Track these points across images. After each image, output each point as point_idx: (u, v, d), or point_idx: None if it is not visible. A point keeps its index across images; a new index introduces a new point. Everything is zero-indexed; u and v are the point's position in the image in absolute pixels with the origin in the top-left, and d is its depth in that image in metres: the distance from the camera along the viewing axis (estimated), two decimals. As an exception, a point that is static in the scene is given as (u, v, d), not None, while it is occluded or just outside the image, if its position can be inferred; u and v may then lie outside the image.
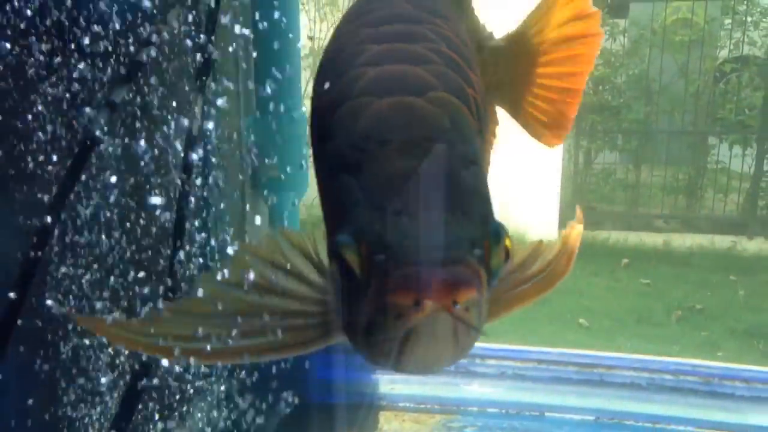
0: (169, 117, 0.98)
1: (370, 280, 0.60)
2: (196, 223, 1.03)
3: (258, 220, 1.38)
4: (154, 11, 0.91)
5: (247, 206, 1.37)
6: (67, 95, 0.83)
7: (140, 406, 0.92)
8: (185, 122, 1.00)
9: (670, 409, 1.22)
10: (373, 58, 0.74)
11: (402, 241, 0.58)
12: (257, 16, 1.32)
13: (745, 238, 6.20)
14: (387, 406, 1.28)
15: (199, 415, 1.02)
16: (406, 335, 0.59)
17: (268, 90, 1.40)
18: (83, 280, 0.88)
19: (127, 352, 0.96)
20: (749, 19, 6.69)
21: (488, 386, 1.30)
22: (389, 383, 1.30)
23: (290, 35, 1.36)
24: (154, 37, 0.94)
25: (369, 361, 0.66)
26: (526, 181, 5.91)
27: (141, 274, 0.96)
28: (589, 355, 1.30)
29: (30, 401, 0.87)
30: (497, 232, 0.62)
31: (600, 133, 6.91)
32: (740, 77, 6.88)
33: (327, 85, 0.75)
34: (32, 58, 0.80)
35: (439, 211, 0.61)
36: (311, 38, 4.92)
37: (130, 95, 0.91)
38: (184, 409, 1.02)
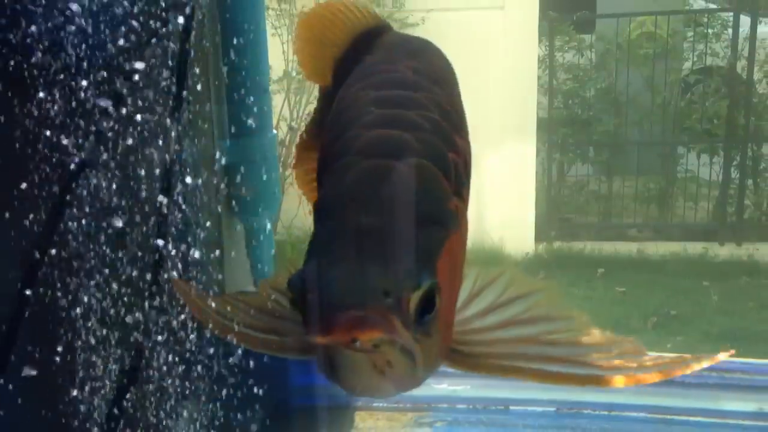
0: (149, 142, 1.06)
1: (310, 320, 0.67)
2: (176, 246, 1.10)
3: (233, 241, 1.45)
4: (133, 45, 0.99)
5: (223, 229, 1.44)
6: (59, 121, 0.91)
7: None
8: (163, 149, 1.08)
9: (627, 397, 1.30)
10: (369, 122, 0.82)
11: (322, 288, 0.66)
12: (230, 46, 1.40)
13: (716, 245, 6.35)
14: (362, 406, 1.36)
15: (184, 413, 1.10)
16: (329, 366, 0.68)
17: (241, 116, 1.48)
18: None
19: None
20: (710, 31, 6.87)
21: (457, 385, 1.38)
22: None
23: (260, 65, 1.44)
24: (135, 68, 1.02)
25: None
26: (501, 195, 6.03)
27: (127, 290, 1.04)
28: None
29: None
30: (424, 282, 0.68)
31: (572, 146, 7.05)
32: (705, 88, 7.07)
33: (330, 142, 0.83)
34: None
35: (363, 264, 0.68)
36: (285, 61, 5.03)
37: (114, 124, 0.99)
38: (169, 407, 1.09)
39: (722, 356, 0.77)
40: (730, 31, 6.73)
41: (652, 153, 7.09)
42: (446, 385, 1.43)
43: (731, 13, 6.79)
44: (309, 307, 0.67)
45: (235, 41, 1.39)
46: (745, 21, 6.58)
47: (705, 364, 0.77)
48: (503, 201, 6.04)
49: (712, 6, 7.57)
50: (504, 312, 0.84)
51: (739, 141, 6.69)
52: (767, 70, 6.78)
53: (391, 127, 0.82)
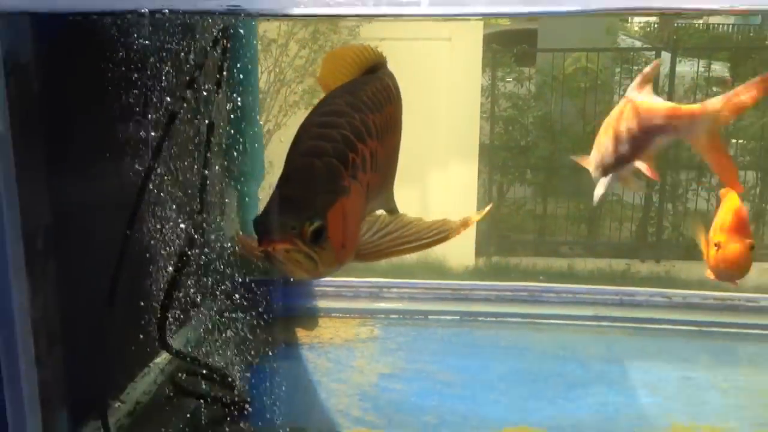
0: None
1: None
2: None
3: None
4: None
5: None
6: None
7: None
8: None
9: (510, 307, 1.91)
10: (309, 135, 1.34)
11: (263, 224, 1.17)
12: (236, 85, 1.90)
13: (638, 261, 6.94)
14: (324, 315, 1.94)
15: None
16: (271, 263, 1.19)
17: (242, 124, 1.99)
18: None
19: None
20: (636, 68, 7.56)
21: (391, 303, 1.95)
22: (325, 302, 1.96)
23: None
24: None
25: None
26: (445, 212, 6.48)
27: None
28: (458, 283, 1.98)
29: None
30: (312, 221, 1.21)
31: (511, 169, 7.57)
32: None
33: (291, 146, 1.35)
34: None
35: (282, 213, 1.24)
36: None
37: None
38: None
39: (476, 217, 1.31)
40: (653, 68, 7.42)
41: (583, 177, 7.67)
42: (383, 304, 2.02)
43: (653, 52, 7.49)
44: (257, 235, 1.21)
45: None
46: (666, 59, 7.29)
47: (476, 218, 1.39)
48: (447, 218, 6.45)
49: (638, 45, 8.30)
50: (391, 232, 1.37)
51: (660, 167, 7.35)
52: (685, 104, 7.49)
53: (319, 140, 1.36)
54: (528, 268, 6.76)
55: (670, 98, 7.37)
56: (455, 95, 6.47)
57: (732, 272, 1.49)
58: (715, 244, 1.49)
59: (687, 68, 7.85)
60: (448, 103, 6.43)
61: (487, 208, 1.43)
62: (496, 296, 2.08)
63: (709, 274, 1.50)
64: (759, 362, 1.74)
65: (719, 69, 8.21)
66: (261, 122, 2.18)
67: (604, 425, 1.46)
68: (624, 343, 1.84)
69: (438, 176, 6.34)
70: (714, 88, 8.01)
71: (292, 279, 1.23)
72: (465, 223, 1.37)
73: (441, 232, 1.37)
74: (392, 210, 1.54)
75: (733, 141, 7.78)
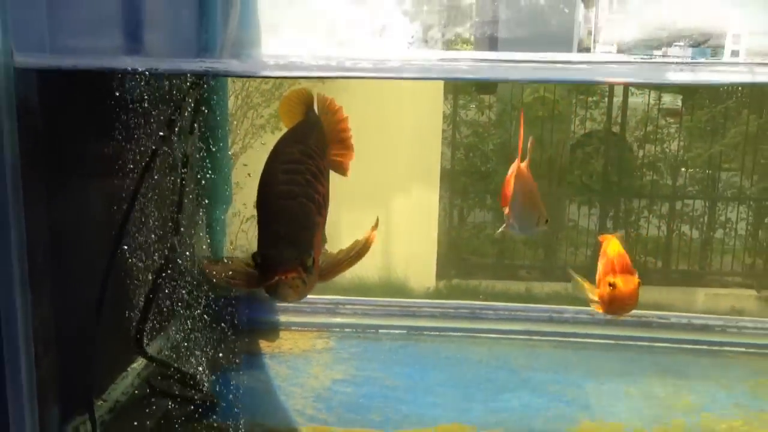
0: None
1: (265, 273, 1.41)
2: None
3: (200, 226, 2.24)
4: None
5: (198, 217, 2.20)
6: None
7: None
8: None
9: (454, 323, 2.17)
10: (279, 181, 1.58)
11: (268, 258, 1.41)
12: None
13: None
14: (285, 328, 2.21)
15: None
16: (274, 289, 1.42)
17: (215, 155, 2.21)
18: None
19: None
20: (590, 99, 7.93)
21: (345, 318, 2.22)
22: (286, 317, 2.23)
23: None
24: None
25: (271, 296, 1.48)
26: (407, 236, 6.71)
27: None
28: (406, 301, 2.23)
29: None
30: (308, 253, 1.43)
31: (471, 194, 7.84)
32: (587, 149, 8.09)
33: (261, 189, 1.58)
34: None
35: (284, 246, 1.42)
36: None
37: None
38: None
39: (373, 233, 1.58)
40: (606, 99, 7.79)
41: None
42: (338, 318, 2.28)
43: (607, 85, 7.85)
44: (263, 268, 1.41)
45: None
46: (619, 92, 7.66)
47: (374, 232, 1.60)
48: (409, 241, 6.65)
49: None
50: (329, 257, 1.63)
51: (613, 195, 7.70)
52: (637, 135, 7.87)
53: (289, 185, 1.61)
54: (486, 290, 7.00)
55: (622, 130, 7.76)
56: (418, 122, 6.72)
57: (628, 306, 1.73)
58: (610, 284, 1.73)
59: (639, 100, 8.26)
60: (410, 130, 6.67)
61: (375, 223, 1.69)
62: (440, 313, 2.34)
63: (598, 309, 1.75)
64: (664, 371, 2.00)
65: (670, 100, 8.63)
66: (229, 145, 2.42)
67: (525, 423, 1.71)
68: (549, 354, 2.09)
69: (401, 200, 6.57)
70: (667, 119, 8.44)
71: (284, 302, 1.48)
72: (368, 240, 1.63)
73: (358, 251, 1.62)
74: (325, 240, 1.80)
75: (683, 170, 8.19)
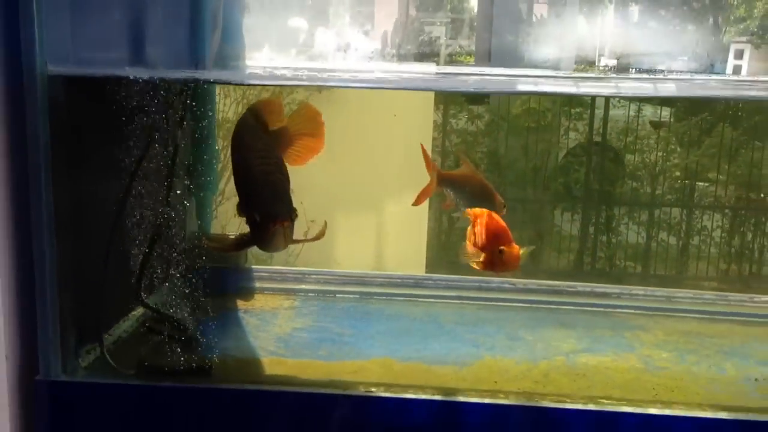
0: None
1: (265, 223, 1.87)
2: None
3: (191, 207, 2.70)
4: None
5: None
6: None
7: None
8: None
9: (398, 290, 2.63)
10: (260, 162, 2.02)
11: (266, 213, 1.87)
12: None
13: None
14: (258, 292, 2.64)
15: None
16: (271, 236, 1.89)
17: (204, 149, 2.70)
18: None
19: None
20: (574, 110, 8.40)
21: (309, 285, 2.66)
22: (260, 283, 2.66)
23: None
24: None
25: (264, 249, 1.94)
26: (398, 239, 7.15)
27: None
28: (360, 272, 2.71)
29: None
30: (294, 209, 1.91)
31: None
32: (572, 159, 8.57)
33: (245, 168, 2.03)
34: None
35: (278, 204, 1.90)
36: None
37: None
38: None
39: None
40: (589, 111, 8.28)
41: (527, 210, 8.45)
42: (303, 285, 2.73)
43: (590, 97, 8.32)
44: (262, 221, 1.86)
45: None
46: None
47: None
48: (400, 244, 7.08)
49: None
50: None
51: (594, 203, 8.17)
52: (617, 146, 8.34)
53: (268, 165, 2.01)
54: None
55: (603, 140, 8.24)
56: (409, 130, 7.18)
57: (514, 266, 2.18)
58: (500, 251, 2.17)
59: (620, 112, 8.73)
60: (403, 138, 7.12)
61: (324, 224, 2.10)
62: (388, 282, 2.81)
63: (479, 267, 2.17)
64: (562, 325, 2.47)
65: (650, 113, 9.10)
66: (216, 141, 2.92)
67: (440, 358, 2.17)
68: (473, 314, 2.56)
69: (392, 205, 7.00)
70: (655, 130, 8.91)
71: (276, 249, 1.93)
72: (321, 233, 2.07)
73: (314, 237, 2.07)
74: None
75: (661, 178, 8.65)
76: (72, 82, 1.94)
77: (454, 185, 2.50)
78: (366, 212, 6.71)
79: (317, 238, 2.09)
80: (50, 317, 1.95)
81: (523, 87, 2.75)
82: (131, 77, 1.98)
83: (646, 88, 2.77)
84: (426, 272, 7.47)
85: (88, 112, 2.05)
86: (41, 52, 1.81)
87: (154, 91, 2.03)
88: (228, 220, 2.80)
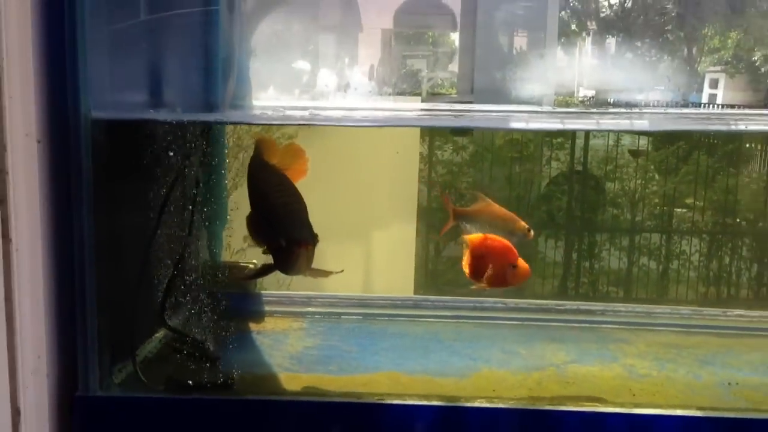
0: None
1: (289, 247, 2.08)
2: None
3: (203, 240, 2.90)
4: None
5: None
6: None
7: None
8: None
9: (398, 311, 2.83)
10: (283, 193, 2.24)
11: (292, 237, 2.08)
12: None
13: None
14: (268, 315, 2.84)
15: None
16: (295, 259, 2.09)
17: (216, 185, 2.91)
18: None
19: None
20: (556, 140, 8.70)
21: (315, 308, 2.87)
22: (270, 307, 2.86)
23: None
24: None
25: (288, 272, 2.15)
26: (386, 267, 7.34)
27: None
28: (362, 295, 2.92)
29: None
30: (316, 234, 2.12)
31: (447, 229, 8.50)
32: (554, 187, 8.85)
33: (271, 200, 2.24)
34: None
35: (304, 229, 2.11)
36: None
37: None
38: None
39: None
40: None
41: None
42: (310, 308, 2.93)
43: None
44: (289, 245, 2.06)
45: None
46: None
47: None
48: (388, 272, 7.26)
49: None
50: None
51: (577, 230, 8.43)
52: (598, 175, 8.64)
53: (291, 196, 2.23)
54: (460, 317, 7.62)
55: (584, 168, 8.54)
56: (396, 161, 7.40)
57: (527, 277, 2.39)
58: (513, 266, 2.39)
59: (600, 141, 9.05)
60: (389, 169, 7.34)
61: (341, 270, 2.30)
62: (389, 303, 3.02)
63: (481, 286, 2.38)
64: (553, 340, 2.69)
65: (629, 142, 9.42)
66: (226, 178, 3.13)
67: (442, 370, 2.37)
68: (470, 331, 2.76)
69: (381, 235, 7.18)
70: (633, 158, 9.23)
71: (299, 272, 2.12)
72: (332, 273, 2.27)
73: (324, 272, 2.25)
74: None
75: (640, 205, 8.94)
76: (110, 125, 2.16)
77: (470, 220, 2.71)
78: (355, 241, 6.89)
79: (330, 273, 2.29)
80: (89, 338, 2.15)
81: (516, 124, 2.99)
82: (162, 120, 2.21)
83: (623, 124, 3.02)
84: (414, 294, 7.68)
85: (122, 152, 2.27)
86: (86, 99, 2.03)
87: (181, 132, 2.26)
88: (234, 250, 3.02)
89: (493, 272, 2.32)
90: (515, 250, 2.33)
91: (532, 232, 2.48)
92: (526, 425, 2.13)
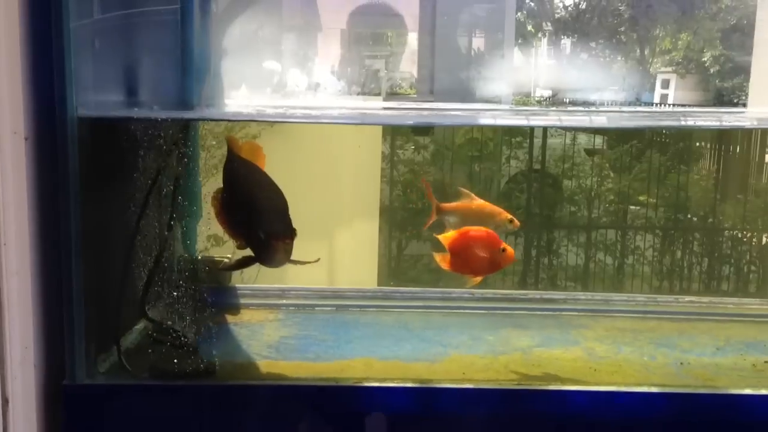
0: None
1: (269, 241, 2.17)
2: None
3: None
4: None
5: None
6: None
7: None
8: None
9: (370, 302, 2.94)
10: (263, 187, 2.34)
11: (271, 231, 2.18)
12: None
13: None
14: (245, 307, 2.93)
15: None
16: (275, 252, 2.19)
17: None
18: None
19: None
20: (515, 139, 8.91)
21: (290, 300, 2.96)
22: (246, 299, 2.94)
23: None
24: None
25: (268, 265, 2.24)
26: (349, 265, 7.44)
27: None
28: (335, 288, 3.02)
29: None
30: (294, 228, 2.22)
31: (409, 227, 8.65)
32: (513, 185, 9.06)
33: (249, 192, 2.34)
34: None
35: (283, 223, 2.21)
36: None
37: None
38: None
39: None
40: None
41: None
42: (285, 300, 3.03)
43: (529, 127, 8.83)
44: (268, 239, 2.16)
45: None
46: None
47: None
48: (351, 270, 7.37)
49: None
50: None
51: (536, 227, 8.65)
52: (555, 173, 8.86)
53: (271, 190, 2.34)
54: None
55: (542, 167, 8.77)
56: (358, 161, 7.51)
57: (512, 260, 2.51)
58: (502, 249, 2.51)
59: (557, 140, 9.29)
60: (352, 169, 7.45)
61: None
62: (361, 295, 3.14)
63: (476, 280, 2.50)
64: (517, 326, 2.83)
65: (585, 141, 9.69)
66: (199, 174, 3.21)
67: (412, 356, 2.50)
68: (439, 320, 2.90)
69: (344, 233, 7.28)
70: (590, 156, 9.50)
71: (278, 265, 2.21)
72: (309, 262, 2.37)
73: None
74: None
75: (596, 202, 9.20)
76: (94, 123, 2.24)
77: (454, 215, 2.79)
78: (318, 239, 6.98)
79: (309, 262, 2.39)
80: (76, 329, 2.23)
81: (484, 120, 3.13)
82: (145, 117, 2.30)
83: (582, 120, 3.18)
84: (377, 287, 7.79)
85: (107, 149, 2.36)
86: (73, 99, 2.11)
87: (162, 129, 2.35)
88: (207, 245, 3.11)
89: (486, 260, 2.44)
90: (497, 235, 2.46)
91: (516, 222, 2.60)
92: (495, 403, 2.26)
